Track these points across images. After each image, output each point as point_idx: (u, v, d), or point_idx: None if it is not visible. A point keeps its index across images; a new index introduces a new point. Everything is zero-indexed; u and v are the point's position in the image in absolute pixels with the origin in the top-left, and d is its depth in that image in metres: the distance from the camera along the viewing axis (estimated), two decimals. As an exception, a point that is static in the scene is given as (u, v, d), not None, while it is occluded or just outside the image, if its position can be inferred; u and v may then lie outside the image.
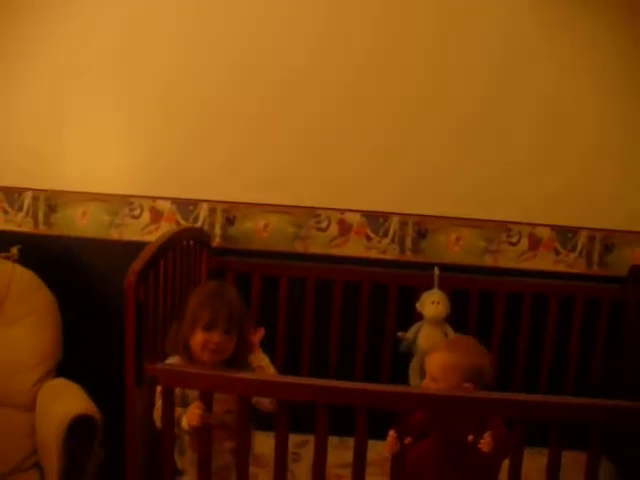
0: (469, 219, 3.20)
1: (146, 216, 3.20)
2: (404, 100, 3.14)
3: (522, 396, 2.28)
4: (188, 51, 3.12)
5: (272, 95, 3.15)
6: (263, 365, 2.53)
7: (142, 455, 2.37)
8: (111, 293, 3.04)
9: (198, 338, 2.42)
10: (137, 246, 2.67)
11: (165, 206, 3.20)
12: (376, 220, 3.21)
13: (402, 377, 3.03)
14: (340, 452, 2.79)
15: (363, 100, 3.15)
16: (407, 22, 3.10)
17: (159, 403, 2.28)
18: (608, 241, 3.20)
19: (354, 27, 3.10)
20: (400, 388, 2.49)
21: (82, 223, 3.23)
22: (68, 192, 3.22)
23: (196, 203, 3.19)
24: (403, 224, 3.21)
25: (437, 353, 2.54)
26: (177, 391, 2.24)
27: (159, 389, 2.26)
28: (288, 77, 3.13)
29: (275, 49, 3.12)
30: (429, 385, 2.52)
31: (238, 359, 2.51)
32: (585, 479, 2.18)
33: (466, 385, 2.46)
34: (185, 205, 3.20)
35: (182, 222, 3.19)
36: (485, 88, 3.14)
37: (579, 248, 3.21)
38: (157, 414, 2.33)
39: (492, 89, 3.14)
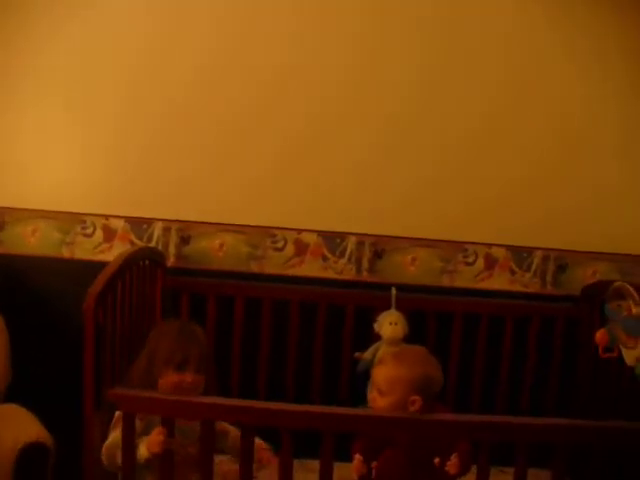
0: (425, 239, 3.31)
1: (99, 234, 3.22)
2: (365, 121, 3.25)
3: (488, 417, 2.42)
4: (143, 67, 3.17)
5: (228, 115, 3.21)
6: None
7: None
8: (64, 313, 3.09)
9: (170, 379, 2.44)
10: (89, 265, 2.76)
11: (118, 224, 3.22)
12: (333, 240, 3.29)
13: (360, 398, 3.09)
14: (301, 475, 2.89)
15: (320, 121, 3.24)
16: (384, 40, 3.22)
17: (113, 436, 2.30)
18: (562, 261, 3.37)
19: (325, 43, 3.21)
20: (367, 412, 2.56)
21: (32, 241, 3.24)
22: (17, 209, 3.21)
23: (150, 222, 3.23)
24: (360, 244, 3.30)
25: (383, 366, 2.60)
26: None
27: (115, 421, 2.30)
28: (245, 99, 3.21)
29: (234, 68, 3.19)
30: (375, 398, 2.57)
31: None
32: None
33: (414, 397, 2.51)
34: (139, 224, 3.23)
35: (136, 241, 3.22)
36: (448, 113, 3.28)
37: (534, 268, 3.37)
38: (107, 451, 2.33)
39: (459, 115, 3.28)
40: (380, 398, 2.55)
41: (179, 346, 2.47)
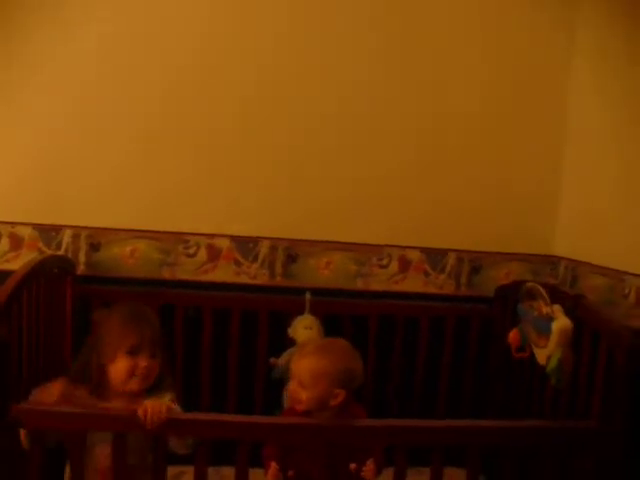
0: (339, 242, 3.40)
1: (5, 243, 3.19)
2: (275, 122, 3.33)
3: (403, 422, 2.52)
4: (77, 63, 3.20)
5: (139, 120, 3.25)
6: None
7: None
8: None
9: (121, 365, 2.42)
10: (-5, 275, 2.75)
11: (26, 232, 3.20)
12: (246, 245, 3.35)
13: (276, 404, 3.17)
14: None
15: (233, 124, 3.31)
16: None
17: None
18: (476, 262, 3.51)
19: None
20: (282, 420, 2.65)
21: None
22: None
23: (59, 229, 3.21)
24: (273, 248, 3.36)
25: (306, 358, 2.68)
26: None
27: None
28: (156, 104, 3.26)
29: (150, 70, 3.25)
30: (297, 390, 2.66)
31: (159, 385, 2.53)
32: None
33: (337, 391, 2.63)
34: (47, 231, 3.21)
35: (44, 249, 3.21)
36: (349, 102, 3.37)
37: (448, 269, 3.50)
38: None
39: (358, 104, 3.38)
40: (302, 391, 2.64)
41: (131, 328, 2.44)
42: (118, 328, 2.46)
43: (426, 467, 2.46)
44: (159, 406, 2.20)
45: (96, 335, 2.51)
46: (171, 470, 2.79)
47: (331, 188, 3.39)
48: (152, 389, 2.51)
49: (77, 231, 3.25)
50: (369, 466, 2.47)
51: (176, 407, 2.46)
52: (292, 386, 2.71)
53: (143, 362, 2.43)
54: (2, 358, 2.28)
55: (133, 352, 2.43)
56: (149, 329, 2.48)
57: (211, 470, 2.94)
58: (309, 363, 2.67)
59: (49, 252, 3.22)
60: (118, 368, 2.43)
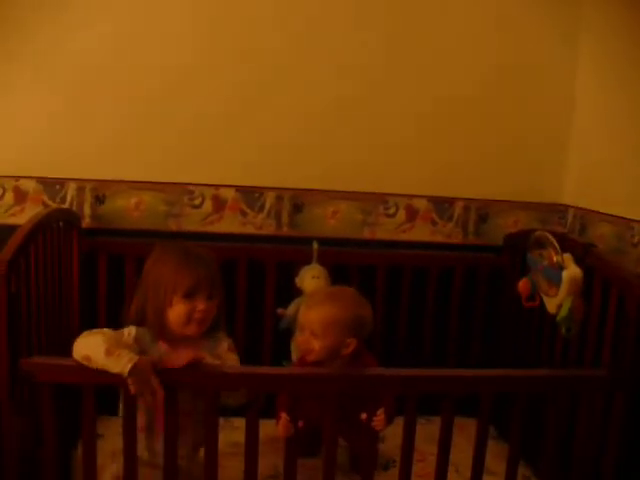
0: (345, 192, 3.38)
1: (9, 197, 3.19)
2: (277, 69, 3.29)
3: (414, 371, 2.48)
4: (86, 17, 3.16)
5: (145, 73, 3.22)
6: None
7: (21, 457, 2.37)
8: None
9: (179, 309, 2.36)
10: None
11: (30, 186, 3.20)
12: (251, 195, 3.34)
13: (284, 354, 3.18)
14: (227, 432, 2.97)
15: (240, 80, 3.27)
16: None
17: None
18: (483, 211, 3.49)
19: None
20: (291, 370, 2.66)
21: (-64, 205, 3.20)
22: None
23: (63, 182, 3.21)
24: (279, 198, 3.35)
25: (317, 308, 2.69)
26: None
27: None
28: (163, 58, 3.23)
29: (154, 33, 3.22)
30: (309, 341, 2.67)
31: (216, 327, 2.52)
32: (475, 445, 2.45)
33: (349, 340, 2.65)
34: (51, 184, 3.21)
35: (49, 203, 3.21)
36: (363, 59, 3.33)
37: (455, 218, 3.48)
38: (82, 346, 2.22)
39: (372, 61, 3.34)
40: (314, 340, 2.66)
41: (187, 271, 2.37)
42: (173, 271, 2.37)
43: (436, 416, 2.49)
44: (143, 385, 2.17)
45: (150, 278, 2.42)
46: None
47: (337, 138, 3.36)
48: (209, 331, 2.49)
49: (82, 184, 3.24)
50: (380, 416, 2.48)
51: (234, 355, 2.52)
52: (303, 337, 2.71)
53: (201, 305, 2.38)
54: (12, 312, 2.28)
55: (190, 295, 2.37)
56: (204, 270, 2.40)
57: (222, 421, 3.00)
58: (320, 312, 2.68)
59: (54, 206, 3.21)
60: (176, 313, 2.37)
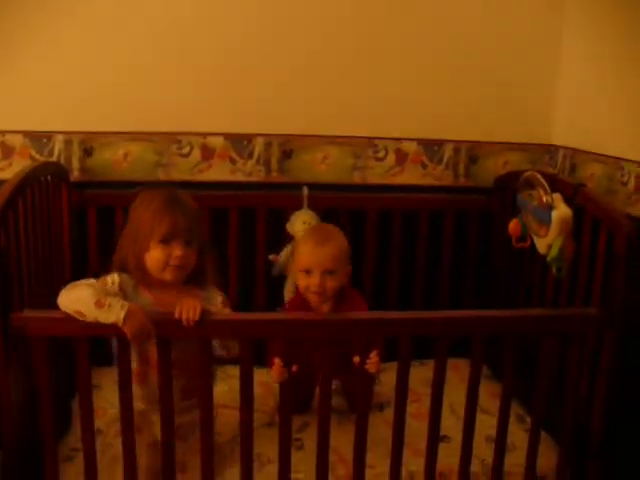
0: (335, 136, 3.38)
1: None
2: (261, 18, 3.27)
3: (408, 314, 2.53)
4: None
5: (128, 21, 3.19)
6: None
7: (18, 408, 2.39)
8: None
9: (155, 254, 2.38)
10: (-13, 185, 2.74)
11: (17, 140, 3.18)
12: (240, 142, 3.33)
13: (277, 300, 3.23)
14: (222, 381, 3.05)
15: (218, 18, 3.23)
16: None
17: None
18: (473, 152, 3.50)
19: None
20: (284, 315, 2.66)
21: None
22: None
23: (50, 135, 3.19)
24: (268, 145, 3.35)
25: (326, 245, 2.70)
26: None
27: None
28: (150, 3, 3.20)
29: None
30: (321, 283, 2.68)
31: (201, 276, 2.52)
32: (468, 385, 2.50)
33: (349, 268, 2.73)
34: (38, 138, 3.19)
35: (37, 157, 3.20)
36: (352, 7, 3.32)
37: (445, 161, 3.49)
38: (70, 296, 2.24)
39: (361, 9, 3.32)
40: (331, 279, 2.69)
41: (165, 216, 2.37)
42: (151, 216, 2.38)
43: (430, 359, 2.51)
44: (194, 306, 2.20)
45: (131, 224, 2.44)
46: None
47: (325, 81, 3.34)
48: (194, 281, 2.51)
49: (69, 137, 3.22)
50: (373, 358, 2.50)
51: (229, 310, 2.55)
52: (314, 279, 2.71)
53: (177, 251, 2.38)
54: (1, 266, 2.29)
55: (166, 241, 2.38)
56: (182, 216, 2.40)
57: (218, 369, 3.05)
58: (332, 249, 2.71)
59: (42, 160, 3.20)
60: (153, 258, 2.39)
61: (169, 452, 2.37)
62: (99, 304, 2.16)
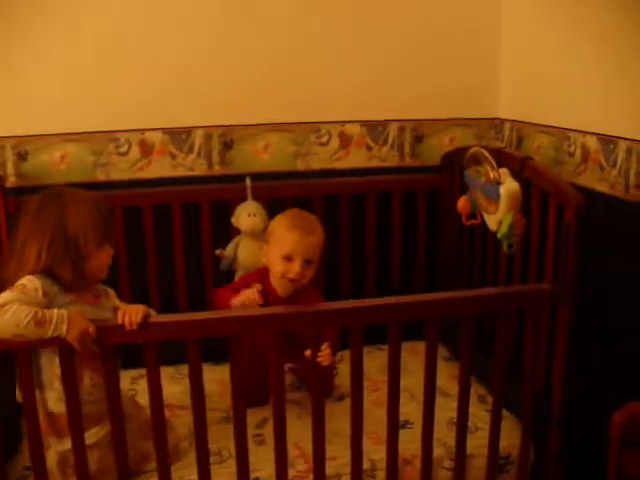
0: (275, 124, 3.33)
1: None
2: (196, 9, 3.20)
3: (360, 302, 2.47)
4: None
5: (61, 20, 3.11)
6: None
7: None
8: None
9: (104, 257, 2.41)
10: None
11: None
12: (178, 136, 3.27)
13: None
14: (175, 381, 3.03)
15: (152, 11, 3.18)
16: None
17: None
18: (418, 131, 3.46)
19: None
20: (233, 313, 2.56)
21: None
22: None
23: None
24: (207, 137, 3.29)
25: (311, 236, 2.71)
26: None
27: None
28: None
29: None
30: (302, 271, 2.69)
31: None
32: (425, 370, 2.47)
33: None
34: None
35: (-32, 165, 3.10)
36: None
37: (390, 141, 3.45)
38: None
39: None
40: (308, 269, 2.72)
41: (104, 218, 2.40)
42: (93, 220, 2.36)
43: (385, 345, 2.48)
44: (84, 335, 2.15)
45: (62, 228, 2.32)
46: (132, 373, 2.98)
47: (261, 67, 3.29)
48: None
49: (1, 142, 3.14)
50: (325, 351, 2.48)
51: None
52: (294, 266, 2.71)
53: (111, 251, 2.44)
54: None
55: (107, 241, 2.41)
56: (111, 215, 2.50)
57: (171, 369, 3.02)
58: (314, 240, 2.73)
59: (-25, 167, 3.10)
60: (100, 261, 2.40)
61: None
62: (39, 324, 2.11)
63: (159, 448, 2.35)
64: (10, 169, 3.16)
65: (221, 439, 2.63)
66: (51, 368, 2.32)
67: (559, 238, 2.55)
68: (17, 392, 2.33)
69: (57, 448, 2.41)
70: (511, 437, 2.68)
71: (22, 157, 3.17)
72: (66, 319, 2.14)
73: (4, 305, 2.12)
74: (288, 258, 2.71)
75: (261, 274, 2.85)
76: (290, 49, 3.30)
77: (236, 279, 3.18)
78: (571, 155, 2.95)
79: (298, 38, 3.30)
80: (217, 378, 2.97)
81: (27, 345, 2.18)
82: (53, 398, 2.37)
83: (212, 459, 2.45)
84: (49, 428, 2.39)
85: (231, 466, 2.47)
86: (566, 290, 2.50)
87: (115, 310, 2.39)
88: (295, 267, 2.70)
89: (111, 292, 2.57)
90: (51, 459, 2.40)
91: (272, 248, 2.77)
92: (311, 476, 2.49)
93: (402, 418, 2.54)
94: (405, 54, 3.39)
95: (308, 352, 2.44)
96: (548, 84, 3.11)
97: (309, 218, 2.84)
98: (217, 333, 2.32)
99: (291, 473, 2.50)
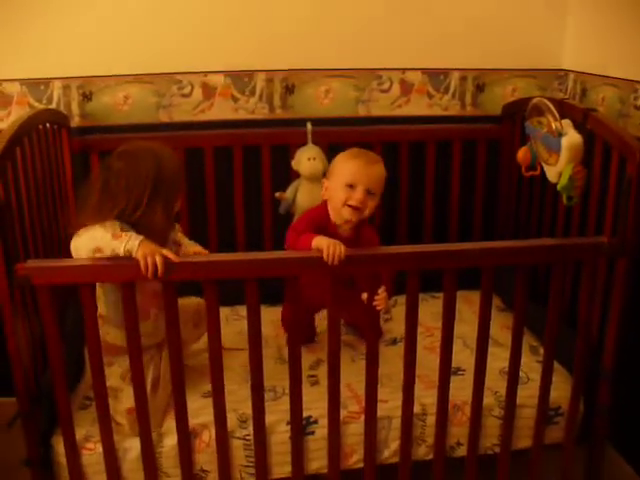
0: (337, 69, 3.31)
1: None
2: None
3: (417, 247, 2.46)
4: None
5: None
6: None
7: (26, 357, 2.41)
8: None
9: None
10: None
11: (14, 88, 3.12)
12: (241, 80, 3.27)
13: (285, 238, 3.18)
14: (232, 322, 3.10)
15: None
16: None
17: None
18: (479, 81, 3.41)
19: None
20: (294, 254, 2.55)
21: None
22: None
23: (48, 82, 3.13)
24: (269, 81, 3.28)
25: (374, 167, 2.70)
26: None
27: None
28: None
29: None
30: (363, 197, 2.66)
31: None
32: (479, 318, 2.46)
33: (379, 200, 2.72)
34: (36, 85, 3.13)
35: (35, 104, 3.16)
36: None
37: (452, 90, 3.41)
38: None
39: None
40: (370, 199, 2.68)
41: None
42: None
43: (440, 292, 2.47)
44: (153, 255, 2.20)
45: (150, 181, 2.38)
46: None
47: (325, 14, 3.26)
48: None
49: (67, 82, 3.16)
50: (381, 294, 2.46)
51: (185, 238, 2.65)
52: (357, 194, 2.67)
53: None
54: (1, 219, 2.27)
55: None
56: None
57: (228, 310, 3.06)
58: (378, 171, 2.71)
59: (41, 107, 3.14)
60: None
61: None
62: (116, 236, 2.23)
63: (216, 384, 2.39)
64: (75, 109, 3.20)
65: (275, 378, 2.68)
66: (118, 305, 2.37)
67: (620, 191, 2.50)
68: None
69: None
70: (561, 389, 2.68)
71: (86, 97, 3.20)
72: (140, 238, 2.22)
73: (87, 228, 2.26)
74: (351, 186, 2.68)
75: (323, 210, 2.81)
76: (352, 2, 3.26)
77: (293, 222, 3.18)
78: (638, 108, 2.88)
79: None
80: (272, 319, 3.00)
81: (89, 278, 2.25)
82: (114, 333, 2.46)
83: (266, 395, 2.49)
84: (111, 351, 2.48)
85: (284, 403, 2.51)
86: (625, 244, 2.46)
87: (176, 244, 2.53)
88: (357, 194, 2.67)
89: (177, 226, 2.66)
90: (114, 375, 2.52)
91: (334, 179, 2.73)
92: (362, 417, 2.52)
93: (454, 365, 2.54)
94: (469, 3, 3.32)
95: (364, 295, 2.44)
96: (614, 34, 3.03)
97: (371, 153, 2.81)
98: (275, 273, 2.34)
99: (343, 414, 2.53)
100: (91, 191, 2.40)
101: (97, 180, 2.42)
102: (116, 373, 2.52)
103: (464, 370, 2.79)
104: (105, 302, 2.46)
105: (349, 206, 2.69)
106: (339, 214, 2.72)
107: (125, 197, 2.35)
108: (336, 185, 2.70)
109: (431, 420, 2.59)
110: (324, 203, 2.79)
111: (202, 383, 2.65)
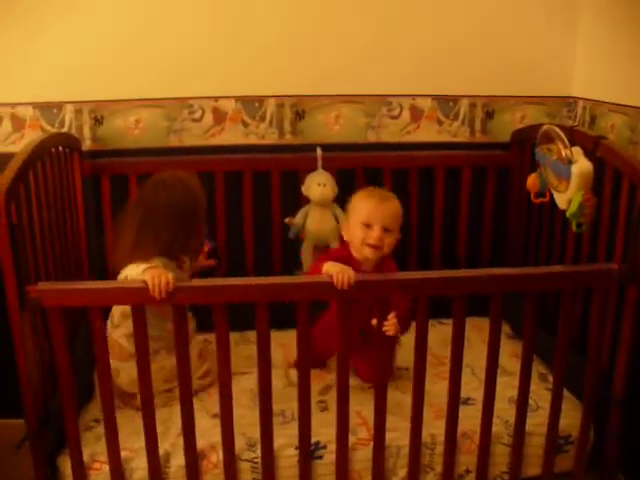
0: (347, 95, 3.31)
1: (7, 125, 3.15)
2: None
3: (425, 273, 2.49)
4: None
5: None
6: None
7: (35, 379, 2.41)
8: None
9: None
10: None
11: (27, 112, 3.14)
12: (252, 105, 3.27)
13: (294, 263, 3.23)
14: (242, 346, 3.08)
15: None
16: None
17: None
18: (489, 107, 3.41)
19: None
20: (304, 279, 2.60)
21: None
22: None
23: (60, 105, 3.15)
24: (280, 106, 3.29)
25: (388, 203, 2.70)
26: None
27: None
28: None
29: None
30: (381, 235, 2.66)
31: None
32: (488, 346, 2.46)
33: (399, 235, 2.74)
34: (48, 109, 3.15)
35: (47, 127, 3.17)
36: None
37: (461, 116, 3.41)
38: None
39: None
40: (387, 236, 2.68)
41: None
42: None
43: (450, 319, 2.46)
44: (160, 276, 2.21)
45: (178, 212, 2.55)
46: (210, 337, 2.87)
47: (336, 40, 3.26)
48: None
49: (79, 106, 3.18)
50: (391, 320, 2.46)
51: None
52: (373, 232, 2.68)
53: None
54: (15, 241, 2.28)
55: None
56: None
57: (237, 335, 3.04)
58: (394, 206, 2.71)
59: (53, 131, 3.16)
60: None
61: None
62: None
63: (224, 406, 2.38)
64: (87, 132, 3.21)
65: (284, 402, 2.68)
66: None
67: (631, 218, 2.50)
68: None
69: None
70: (571, 417, 2.65)
71: (98, 121, 3.21)
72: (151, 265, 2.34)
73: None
74: (367, 225, 2.69)
75: (344, 249, 2.83)
76: (362, 22, 3.26)
77: (303, 248, 3.21)
78: (647, 136, 2.88)
79: (371, 11, 3.25)
80: (281, 342, 3.00)
81: (99, 301, 2.27)
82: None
83: (275, 419, 2.47)
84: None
85: (293, 428, 2.49)
86: (636, 270, 2.45)
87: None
88: (374, 233, 2.67)
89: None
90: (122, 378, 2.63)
91: (351, 219, 2.75)
92: (371, 444, 2.50)
93: (464, 395, 2.54)
94: (478, 29, 3.32)
95: (374, 320, 2.43)
96: (623, 62, 3.02)
97: (385, 191, 2.82)
98: (286, 297, 2.34)
99: (352, 440, 2.51)
100: (128, 223, 2.51)
101: (135, 212, 2.52)
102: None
103: (474, 399, 2.75)
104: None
105: (368, 245, 2.69)
106: (360, 252, 2.74)
107: (171, 228, 2.48)
108: (354, 225, 2.72)
109: (440, 449, 2.57)
110: (346, 244, 2.81)
111: (211, 403, 2.66)
